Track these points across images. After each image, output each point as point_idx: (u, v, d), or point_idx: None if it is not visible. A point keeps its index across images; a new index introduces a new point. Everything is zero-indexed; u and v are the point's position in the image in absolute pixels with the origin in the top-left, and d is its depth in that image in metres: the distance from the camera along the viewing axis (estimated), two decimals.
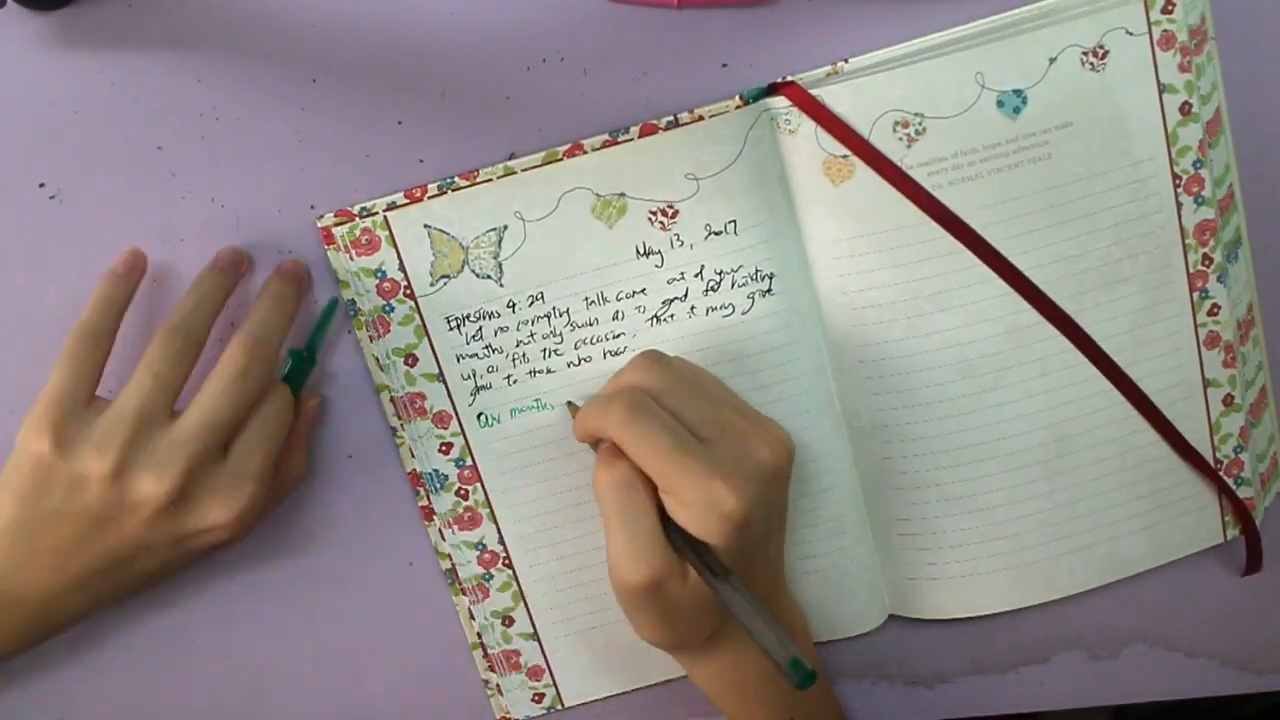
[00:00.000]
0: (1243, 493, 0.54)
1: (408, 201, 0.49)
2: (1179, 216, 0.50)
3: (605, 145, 0.48)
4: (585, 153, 0.48)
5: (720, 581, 0.43)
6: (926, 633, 0.56)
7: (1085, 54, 0.47)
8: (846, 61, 0.48)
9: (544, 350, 0.51)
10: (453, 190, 0.48)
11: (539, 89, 0.48)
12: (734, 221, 0.49)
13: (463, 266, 0.49)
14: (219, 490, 0.46)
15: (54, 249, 0.49)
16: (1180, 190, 0.49)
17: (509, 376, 0.51)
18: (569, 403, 0.51)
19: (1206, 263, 0.50)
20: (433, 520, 0.53)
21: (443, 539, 0.54)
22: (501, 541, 0.53)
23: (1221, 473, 0.53)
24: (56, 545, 0.46)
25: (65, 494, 0.45)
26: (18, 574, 0.46)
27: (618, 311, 0.50)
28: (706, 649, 0.49)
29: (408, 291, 0.50)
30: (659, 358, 0.48)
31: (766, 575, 0.49)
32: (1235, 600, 0.57)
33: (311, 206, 0.49)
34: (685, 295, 0.50)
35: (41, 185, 0.48)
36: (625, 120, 0.48)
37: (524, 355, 0.51)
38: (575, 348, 0.51)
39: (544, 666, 0.56)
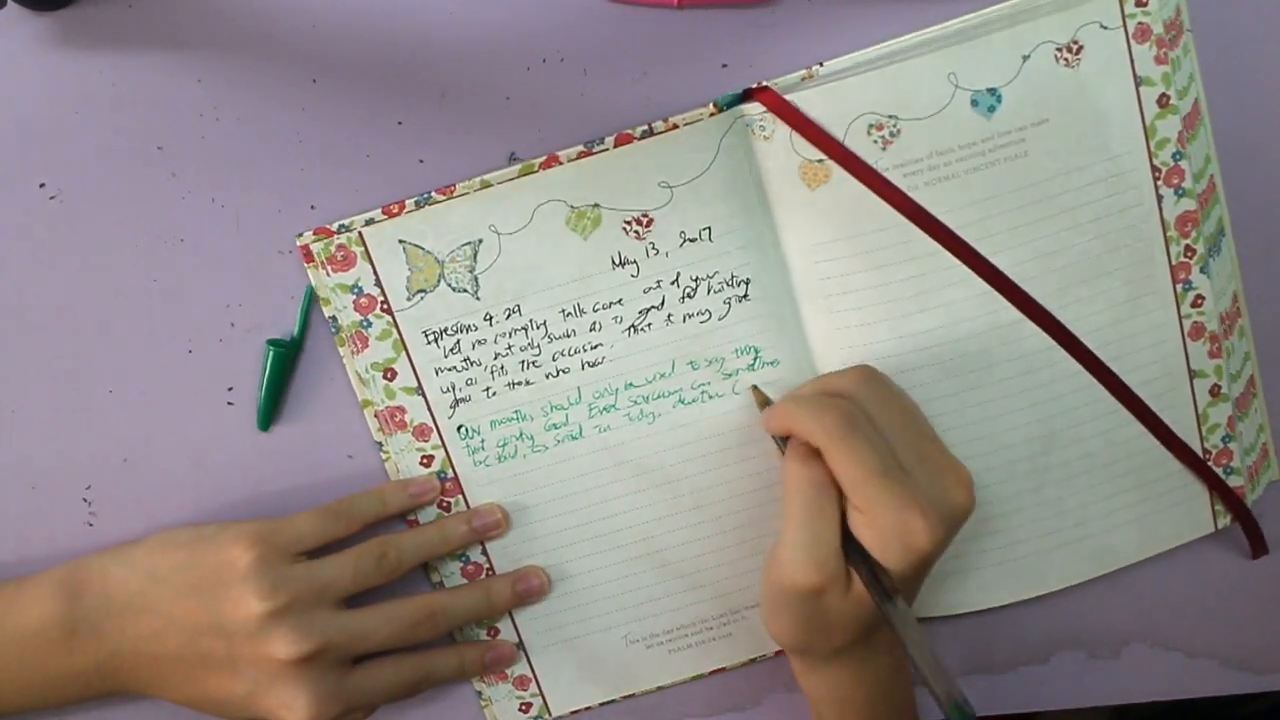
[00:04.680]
0: (1232, 482, 0.53)
1: (385, 218, 0.49)
2: (1159, 209, 0.50)
3: (580, 156, 0.48)
4: (561, 164, 0.48)
5: (890, 605, 0.43)
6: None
7: (1059, 50, 0.48)
8: (821, 65, 0.48)
9: (522, 362, 0.51)
10: (429, 205, 0.49)
11: (539, 89, 0.49)
12: (708, 228, 0.49)
13: (439, 281, 0.50)
14: (321, 689, 0.48)
15: (54, 249, 0.49)
16: (1160, 182, 0.50)
17: (488, 389, 0.51)
18: (753, 386, 0.51)
19: (1189, 254, 0.51)
20: None
21: None
22: (484, 552, 0.53)
23: (1210, 463, 0.53)
24: (173, 613, 0.47)
25: (217, 595, 0.47)
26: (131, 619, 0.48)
27: (595, 323, 0.50)
28: (829, 660, 0.48)
29: (384, 306, 0.50)
30: (876, 375, 0.47)
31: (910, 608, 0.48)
32: (1235, 600, 0.56)
33: (312, 207, 0.49)
34: (662, 304, 0.50)
35: (41, 185, 0.48)
36: (626, 120, 0.49)
37: (502, 367, 0.51)
38: (553, 359, 0.51)
39: (530, 676, 0.55)
